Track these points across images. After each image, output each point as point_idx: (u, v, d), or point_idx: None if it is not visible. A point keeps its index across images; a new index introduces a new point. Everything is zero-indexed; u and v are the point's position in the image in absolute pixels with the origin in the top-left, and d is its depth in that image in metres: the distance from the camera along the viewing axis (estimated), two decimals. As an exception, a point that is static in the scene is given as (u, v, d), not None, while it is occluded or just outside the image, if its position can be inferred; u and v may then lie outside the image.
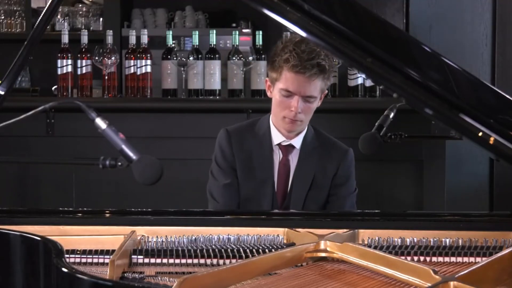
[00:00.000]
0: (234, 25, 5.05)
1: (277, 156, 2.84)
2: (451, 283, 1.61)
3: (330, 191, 2.84)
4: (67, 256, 1.84)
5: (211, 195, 2.84)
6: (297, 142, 2.83)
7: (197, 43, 4.26)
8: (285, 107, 2.74)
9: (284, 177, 2.83)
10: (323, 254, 1.92)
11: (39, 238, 1.83)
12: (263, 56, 4.24)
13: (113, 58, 4.20)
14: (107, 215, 2.21)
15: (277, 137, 2.83)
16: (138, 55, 4.25)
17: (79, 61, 4.26)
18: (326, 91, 2.83)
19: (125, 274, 1.86)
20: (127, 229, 2.05)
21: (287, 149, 2.84)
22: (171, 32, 4.34)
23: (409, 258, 1.95)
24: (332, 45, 1.89)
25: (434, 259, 1.97)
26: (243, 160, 2.83)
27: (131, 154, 1.68)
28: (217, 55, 4.26)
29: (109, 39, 4.23)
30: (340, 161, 2.85)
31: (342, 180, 2.85)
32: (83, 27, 5.11)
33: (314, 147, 2.85)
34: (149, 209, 2.27)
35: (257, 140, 2.84)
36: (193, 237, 2.05)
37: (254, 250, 1.98)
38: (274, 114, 2.82)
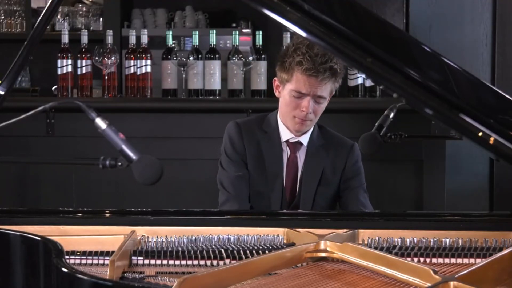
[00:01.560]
0: (234, 25, 5.05)
1: (285, 153, 2.86)
2: (451, 283, 1.61)
3: (341, 185, 2.87)
4: (67, 257, 1.84)
5: (222, 186, 2.86)
6: (304, 139, 2.86)
7: (197, 43, 4.26)
8: (296, 107, 2.77)
9: (292, 174, 2.85)
10: (323, 254, 1.91)
11: (39, 238, 1.82)
12: (263, 56, 4.24)
13: (113, 58, 4.20)
14: (107, 215, 2.21)
15: (285, 134, 2.85)
16: (138, 55, 4.25)
17: (79, 61, 4.27)
18: (334, 92, 2.85)
19: (125, 274, 1.86)
20: (127, 229, 2.05)
21: (295, 146, 2.86)
22: (171, 32, 4.34)
23: (409, 259, 1.95)
24: (332, 45, 1.89)
25: (434, 260, 1.97)
26: (254, 153, 2.85)
27: (131, 154, 1.68)
28: (217, 55, 4.26)
29: (109, 39, 4.23)
30: (347, 156, 2.88)
31: (351, 173, 2.88)
32: (83, 27, 5.11)
33: (320, 144, 2.88)
34: (149, 209, 2.26)
35: (266, 136, 2.87)
36: (193, 237, 2.04)
37: (254, 250, 1.98)
38: (282, 114, 2.84)
